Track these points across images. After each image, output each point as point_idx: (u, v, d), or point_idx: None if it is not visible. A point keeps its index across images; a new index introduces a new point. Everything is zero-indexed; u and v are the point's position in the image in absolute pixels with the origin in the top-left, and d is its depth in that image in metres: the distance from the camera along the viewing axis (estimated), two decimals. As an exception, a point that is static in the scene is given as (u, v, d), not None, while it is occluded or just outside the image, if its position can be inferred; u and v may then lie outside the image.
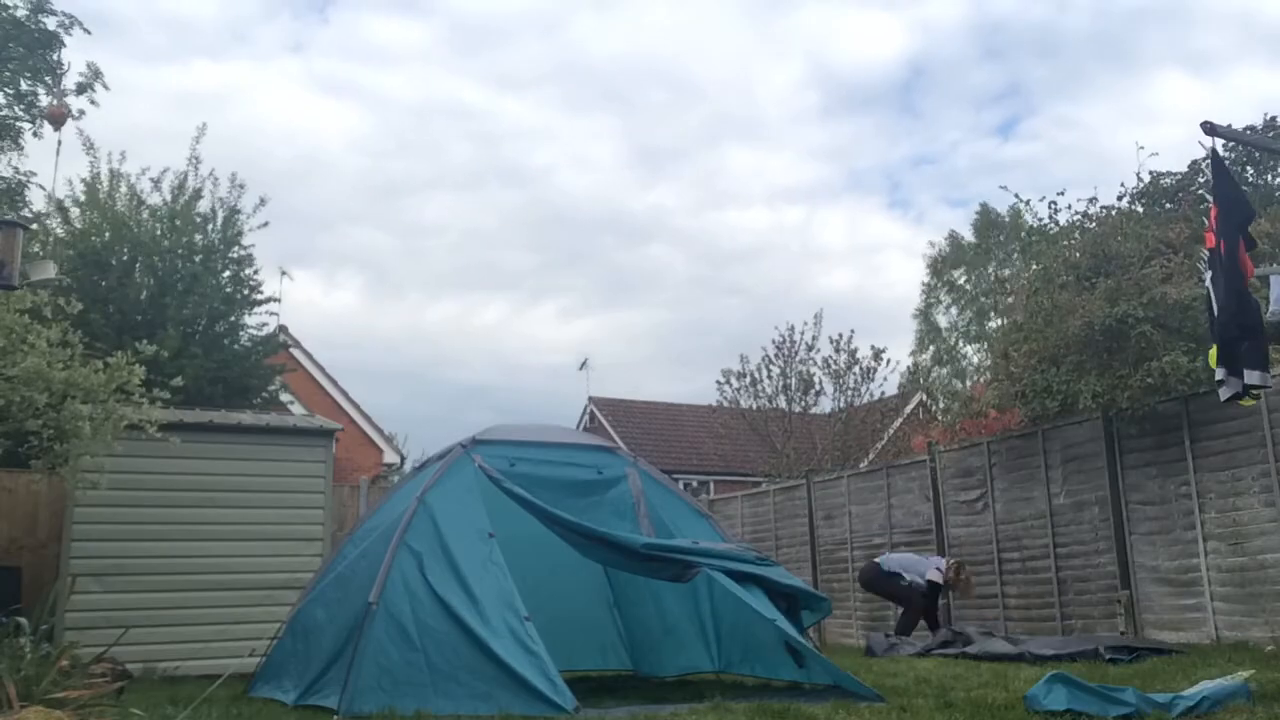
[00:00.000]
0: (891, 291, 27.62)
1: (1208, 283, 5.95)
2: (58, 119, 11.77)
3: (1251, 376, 5.62)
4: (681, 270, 42.80)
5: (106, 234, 12.85)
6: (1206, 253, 6.06)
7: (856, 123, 41.72)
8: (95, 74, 12.35)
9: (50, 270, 7.55)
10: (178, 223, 13.28)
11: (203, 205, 13.71)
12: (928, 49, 37.51)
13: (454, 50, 37.77)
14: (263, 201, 13.90)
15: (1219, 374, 5.72)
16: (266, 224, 13.96)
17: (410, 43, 35.18)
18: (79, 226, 13.04)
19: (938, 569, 10.04)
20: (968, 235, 30.01)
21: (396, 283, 45.74)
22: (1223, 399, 5.89)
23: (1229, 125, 6.62)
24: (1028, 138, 41.88)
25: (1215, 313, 5.78)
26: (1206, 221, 6.28)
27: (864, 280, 39.70)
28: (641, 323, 45.30)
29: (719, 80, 37.08)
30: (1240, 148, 11.22)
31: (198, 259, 13.25)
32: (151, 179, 13.62)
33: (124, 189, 13.42)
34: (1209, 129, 5.96)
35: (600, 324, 45.05)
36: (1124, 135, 37.74)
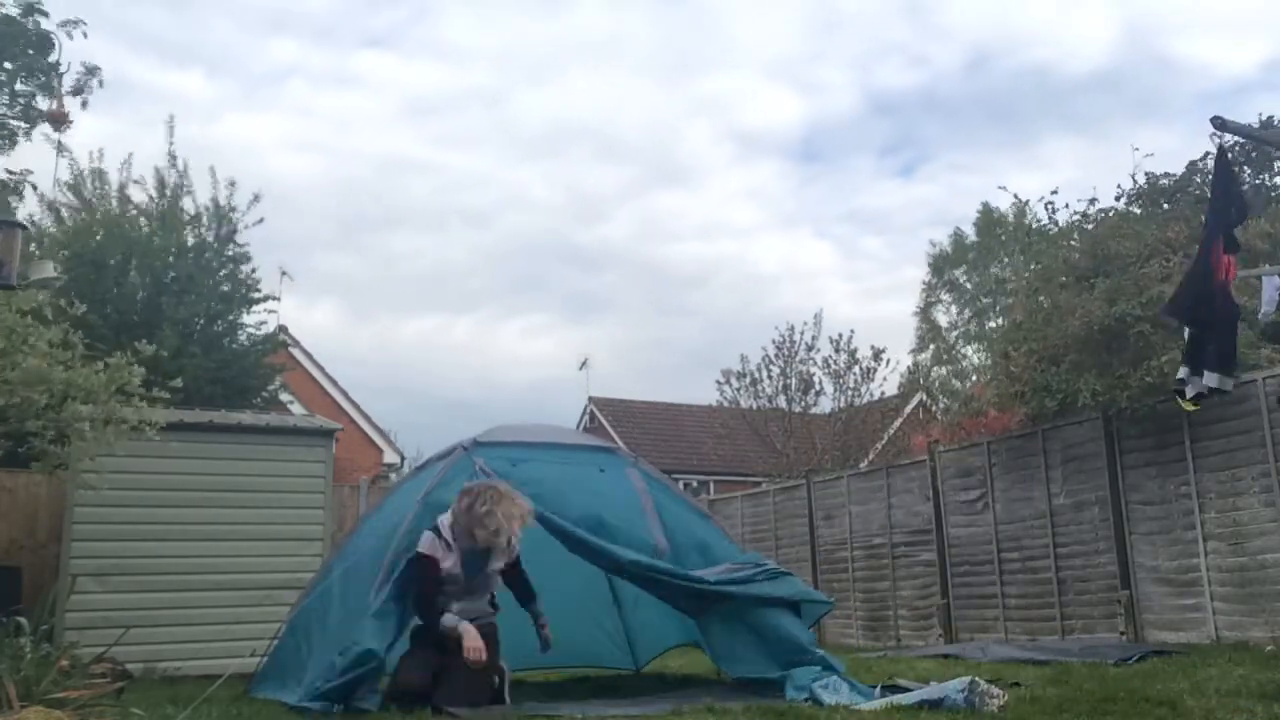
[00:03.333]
0: (838, 311, 29.31)
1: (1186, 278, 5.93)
2: (58, 121, 11.77)
3: (1210, 379, 5.58)
4: (636, 294, 47.24)
5: (100, 234, 12.86)
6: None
7: (771, 168, 46.06)
8: (90, 71, 12.33)
9: (49, 269, 7.55)
10: (166, 220, 13.29)
11: (191, 203, 13.74)
12: (824, 108, 42.01)
13: (406, 117, 42.35)
14: (256, 198, 13.90)
15: (1181, 373, 5.69)
16: (261, 220, 13.96)
17: (365, 110, 39.87)
18: (72, 226, 13.06)
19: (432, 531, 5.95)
20: (970, 234, 29.99)
21: (372, 306, 48.68)
22: (1188, 396, 5.86)
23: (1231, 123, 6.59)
24: (925, 180, 46.34)
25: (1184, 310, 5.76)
26: (1204, 219, 6.27)
27: (808, 301, 43.50)
28: (606, 340, 48.80)
29: (642, 136, 42.14)
30: (1240, 146, 11.22)
31: (191, 257, 13.24)
32: (135, 180, 13.67)
33: (108, 188, 13.44)
34: (1219, 124, 5.89)
35: (567, 340, 48.98)
36: (1018, 179, 42.62)
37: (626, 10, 38.00)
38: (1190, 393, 5.70)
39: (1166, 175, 12.00)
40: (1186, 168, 11.80)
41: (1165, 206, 11.68)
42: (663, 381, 48.04)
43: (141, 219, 13.37)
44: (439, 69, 40.93)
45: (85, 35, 12.11)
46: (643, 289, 48.22)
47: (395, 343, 46.59)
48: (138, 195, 13.58)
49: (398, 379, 49.89)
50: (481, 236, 46.35)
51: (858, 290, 45.44)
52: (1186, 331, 5.80)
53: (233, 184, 13.91)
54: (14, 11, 11.58)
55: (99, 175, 13.49)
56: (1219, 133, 6.03)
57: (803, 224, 48.60)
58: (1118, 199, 11.69)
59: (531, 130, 41.96)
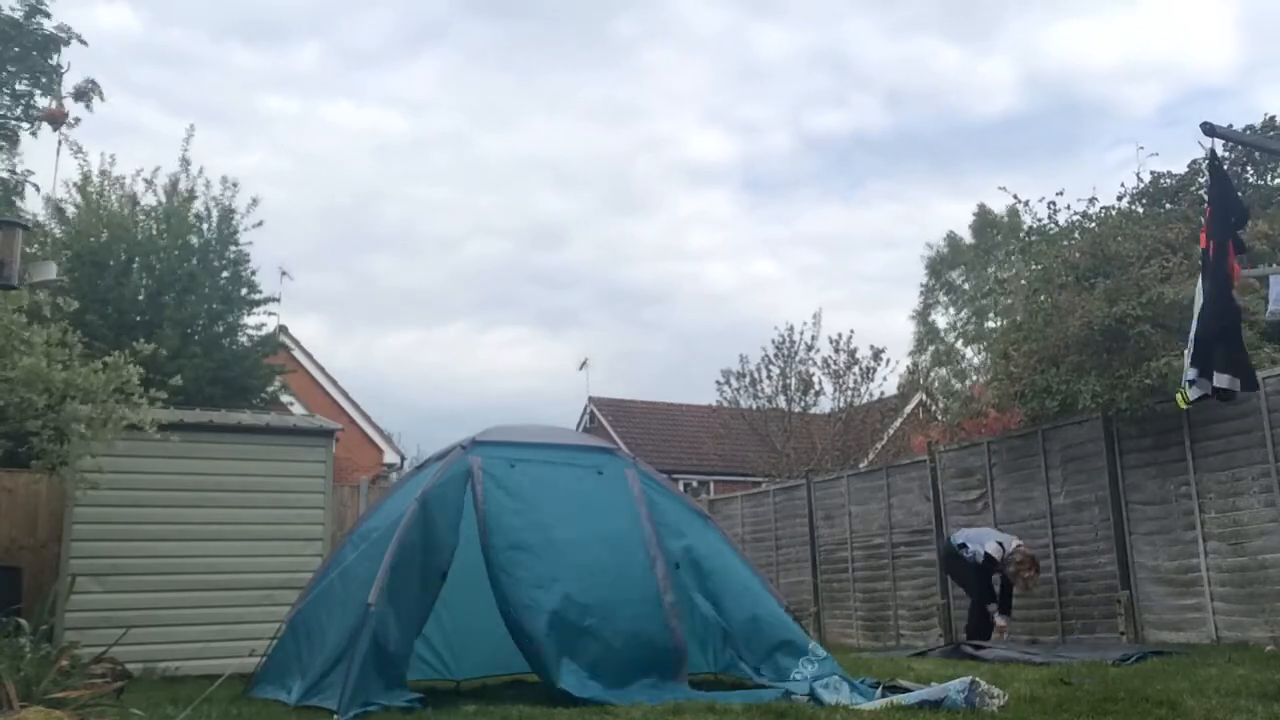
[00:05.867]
0: (797, 322, 30.94)
1: (1199, 283, 5.94)
2: (57, 120, 11.78)
3: (1221, 380, 5.60)
4: (604, 310, 50.84)
5: (104, 235, 12.86)
6: (1201, 252, 6.05)
7: (717, 197, 49.02)
8: (93, 85, 12.39)
9: (51, 271, 7.53)
10: (173, 222, 13.30)
11: (197, 205, 13.74)
12: (760, 146, 45.24)
13: (377, 156, 45.22)
14: (255, 201, 13.92)
15: (1190, 374, 5.71)
16: (261, 223, 13.99)
17: (340, 150, 42.74)
18: (76, 227, 13.05)
19: (998, 543, 9.33)
20: (966, 236, 30.05)
21: (355, 322, 52.31)
22: (1191, 399, 5.88)
23: (1229, 126, 6.62)
24: (861, 206, 49.54)
25: (1197, 313, 5.78)
26: (1203, 222, 6.28)
27: (764, 314, 46.55)
28: (580, 351, 52.50)
29: (595, 172, 46.11)
30: (1240, 149, 11.23)
31: (195, 259, 13.25)
32: (145, 179, 13.67)
33: (117, 191, 13.45)
34: (1208, 130, 5.93)
35: (542, 352, 51.33)
36: (948, 206, 45.26)
37: (572, 65, 42.48)
38: (1195, 394, 5.71)
39: (1169, 175, 11.99)
40: (1189, 167, 11.79)
41: (1167, 206, 11.67)
42: (638, 390, 50.31)
43: (149, 220, 13.36)
44: (406, 116, 45.14)
45: (84, 42, 12.16)
46: (610, 305, 52.39)
47: (377, 357, 49.18)
48: (146, 197, 13.59)
49: (383, 392, 52.96)
50: (453, 259, 50.39)
51: (816, 303, 48.66)
52: (1192, 336, 5.81)
53: (235, 185, 13.93)
54: (18, 14, 11.61)
55: (108, 177, 13.50)
56: (1209, 139, 6.03)
57: (754, 245, 52.71)
58: (1119, 198, 11.68)
59: (492, 167, 46.10)
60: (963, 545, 9.59)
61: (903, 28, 38.36)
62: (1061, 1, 37.00)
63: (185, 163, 13.82)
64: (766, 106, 45.24)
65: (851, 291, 46.71)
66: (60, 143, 12.36)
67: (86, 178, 13.30)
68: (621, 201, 48.02)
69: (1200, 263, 6.02)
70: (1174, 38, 38.39)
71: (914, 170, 48.85)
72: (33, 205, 13.09)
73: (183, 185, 13.72)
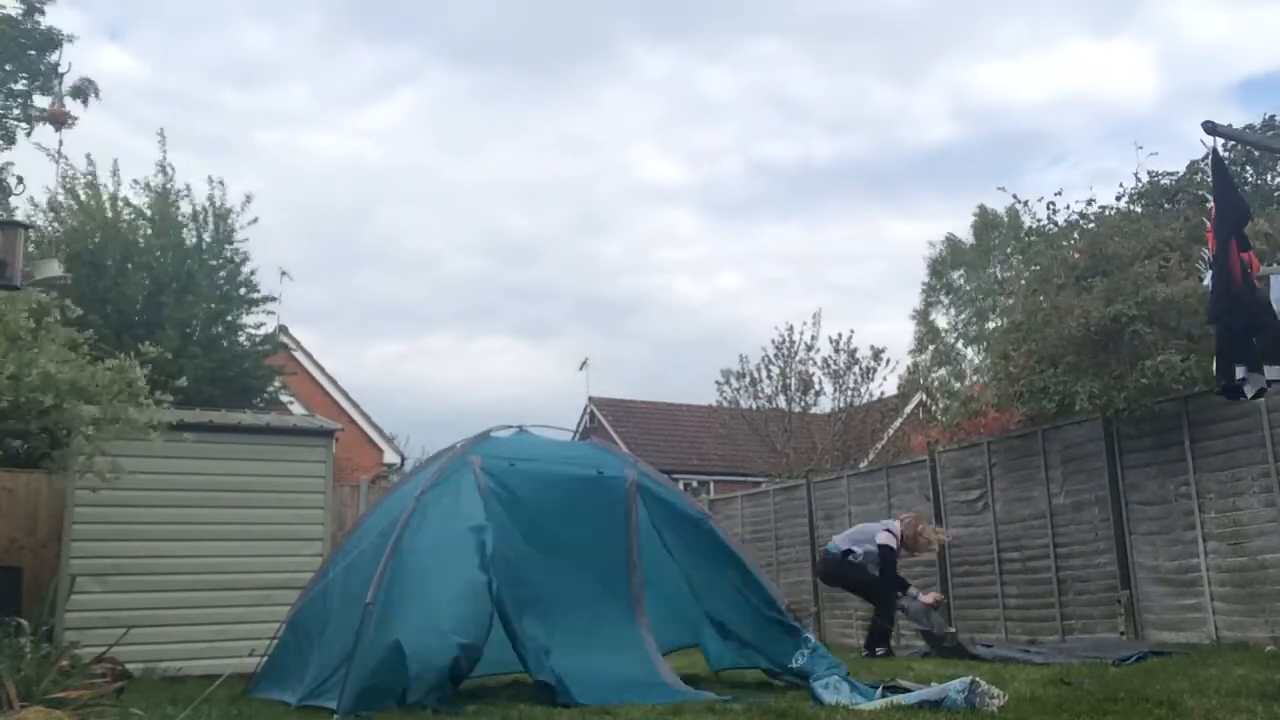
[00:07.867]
0: (770, 330, 31.76)
1: (1207, 282, 5.95)
2: (59, 120, 11.78)
3: (1272, 372, 5.62)
4: (582, 321, 52.64)
5: (97, 236, 12.87)
6: (1207, 252, 6.06)
7: (679, 216, 50.67)
8: (90, 84, 12.38)
9: (55, 269, 7.52)
10: (160, 223, 13.30)
11: (186, 205, 13.75)
12: (713, 171, 46.64)
13: (356, 180, 46.79)
14: (249, 198, 13.91)
15: (1239, 373, 5.69)
16: (256, 220, 13.99)
17: (318, 177, 44.56)
18: (73, 225, 13.06)
19: (888, 530, 9.42)
20: (965, 238, 30.14)
21: (341, 334, 52.99)
22: (1249, 397, 5.89)
23: (1229, 125, 6.62)
24: (819, 227, 51.56)
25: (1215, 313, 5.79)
26: (1207, 221, 6.28)
27: (738, 323, 47.99)
28: (564, 360, 54.00)
29: (560, 194, 48.33)
30: (1240, 147, 11.23)
31: (190, 259, 13.25)
32: (134, 180, 13.68)
33: (105, 195, 13.45)
34: (1210, 128, 5.94)
35: (531, 360, 52.85)
36: (899, 226, 47.07)
37: (534, 103, 44.96)
38: (1251, 391, 5.72)
39: (1168, 174, 11.99)
40: (1187, 167, 11.79)
41: (1166, 206, 11.67)
42: (622, 397, 51.97)
43: (140, 221, 13.36)
44: (382, 147, 47.08)
45: (71, 40, 12.19)
46: (588, 316, 54.06)
47: (368, 365, 51.14)
48: (135, 198, 13.59)
49: (376, 398, 54.06)
50: (434, 274, 52.09)
51: (786, 313, 49.99)
52: (1223, 334, 5.81)
53: (222, 183, 13.92)
54: (15, 12, 11.60)
55: (92, 185, 13.49)
56: (1211, 138, 6.04)
57: (720, 260, 54.39)
58: (1118, 198, 11.68)
59: (463, 193, 48.19)
60: (849, 551, 9.57)
61: (839, 69, 41.10)
62: (985, 44, 39.50)
63: (169, 167, 13.78)
64: (717, 137, 47.76)
65: (821, 302, 48.48)
66: (61, 142, 12.36)
67: (72, 181, 13.30)
68: (588, 222, 50.24)
69: (1207, 262, 6.03)
70: (1097, 74, 40.77)
71: (863, 194, 51.33)
72: (32, 206, 13.11)
73: (159, 184, 13.69)
